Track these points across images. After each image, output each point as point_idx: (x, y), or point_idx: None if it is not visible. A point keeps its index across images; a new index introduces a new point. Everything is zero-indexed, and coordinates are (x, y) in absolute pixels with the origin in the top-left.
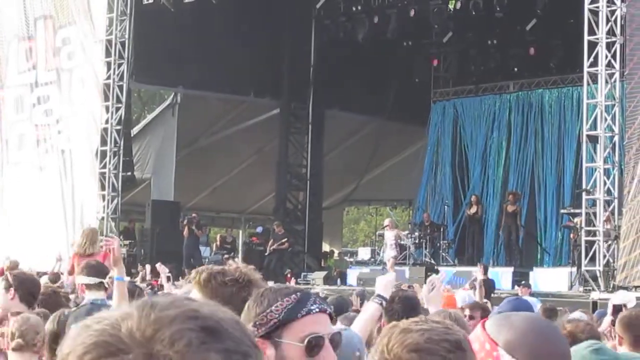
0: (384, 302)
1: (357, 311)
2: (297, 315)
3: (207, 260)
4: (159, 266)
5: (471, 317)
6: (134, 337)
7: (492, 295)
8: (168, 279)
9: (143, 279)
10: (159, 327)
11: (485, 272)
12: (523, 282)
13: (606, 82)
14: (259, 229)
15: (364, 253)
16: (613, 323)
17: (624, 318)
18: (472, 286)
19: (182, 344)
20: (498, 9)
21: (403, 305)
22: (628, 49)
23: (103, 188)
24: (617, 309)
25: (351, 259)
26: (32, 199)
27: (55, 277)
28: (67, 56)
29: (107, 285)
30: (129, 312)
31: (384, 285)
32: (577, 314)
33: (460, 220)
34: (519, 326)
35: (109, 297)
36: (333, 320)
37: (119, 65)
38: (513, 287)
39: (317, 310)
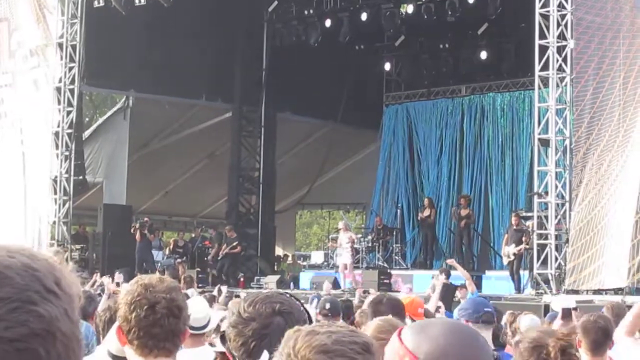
0: None
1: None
2: None
3: (159, 264)
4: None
5: None
6: None
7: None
8: (117, 284)
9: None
10: None
11: (448, 276)
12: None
13: (557, 85)
14: (212, 233)
15: (317, 257)
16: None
17: (582, 323)
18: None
19: None
20: (450, 13)
21: (390, 307)
22: (575, 52)
23: (55, 192)
24: (566, 312)
25: (304, 263)
26: None
27: None
28: (22, 59)
29: None
30: None
31: None
32: (529, 317)
33: (419, 223)
34: (438, 336)
35: None
36: None
37: (70, 68)
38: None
39: None
